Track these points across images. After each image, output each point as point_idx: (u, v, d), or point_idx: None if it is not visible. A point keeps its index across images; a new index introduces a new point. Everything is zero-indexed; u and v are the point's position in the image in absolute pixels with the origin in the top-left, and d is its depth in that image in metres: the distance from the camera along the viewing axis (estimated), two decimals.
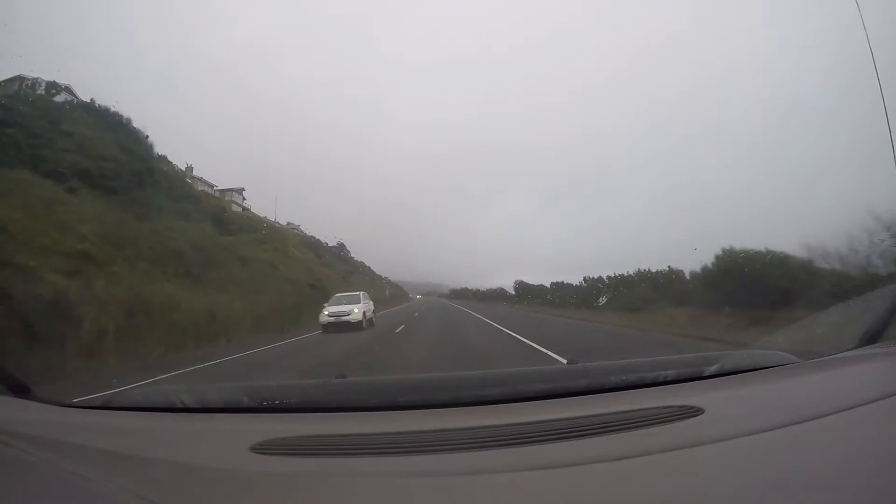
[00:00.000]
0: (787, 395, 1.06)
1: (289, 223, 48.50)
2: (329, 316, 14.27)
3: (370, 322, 15.72)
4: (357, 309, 14.59)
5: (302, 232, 47.85)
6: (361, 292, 17.47)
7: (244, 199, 41.28)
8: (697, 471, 0.72)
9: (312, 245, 42.52)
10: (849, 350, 1.36)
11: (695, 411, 0.92)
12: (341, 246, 55.11)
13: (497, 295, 51.71)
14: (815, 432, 0.80)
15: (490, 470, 0.73)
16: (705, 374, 1.21)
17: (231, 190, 38.61)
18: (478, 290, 69.06)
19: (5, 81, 16.05)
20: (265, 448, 0.82)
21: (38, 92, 16.81)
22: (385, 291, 47.45)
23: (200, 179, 33.84)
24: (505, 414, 0.98)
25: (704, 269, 12.66)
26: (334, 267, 40.07)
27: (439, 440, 0.85)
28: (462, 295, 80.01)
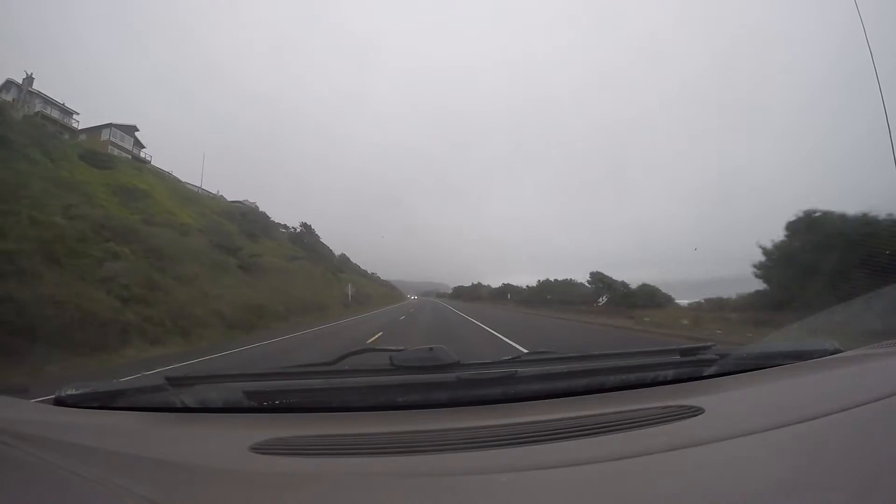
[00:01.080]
0: (786, 395, 1.06)
1: (245, 200, 45.98)
2: None
3: None
4: None
5: (251, 205, 43.16)
6: None
7: (138, 142, 33.41)
8: (697, 471, 0.72)
9: (237, 214, 34.04)
10: (849, 350, 1.36)
11: (695, 411, 0.92)
12: (308, 231, 46.11)
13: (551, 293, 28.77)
14: (815, 432, 0.80)
15: (490, 470, 0.73)
16: (705, 374, 1.21)
17: (110, 126, 32.07)
18: (509, 287, 42.15)
19: None
20: (265, 448, 0.82)
21: None
22: (347, 289, 33.38)
23: (40, 95, 27.07)
24: (505, 414, 0.98)
25: None
26: (261, 246, 28.71)
27: (439, 440, 0.85)
28: (474, 294, 58.46)
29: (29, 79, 26.60)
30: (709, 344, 1.41)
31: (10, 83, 26.50)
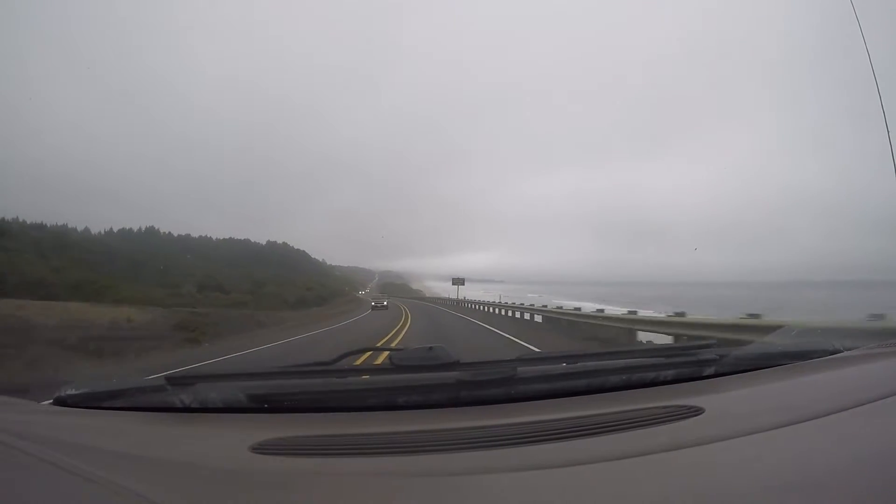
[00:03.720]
0: (787, 395, 1.06)
1: None
2: None
3: None
4: None
5: None
6: None
7: None
8: (697, 471, 0.72)
9: None
10: (849, 350, 1.36)
11: (695, 411, 0.92)
12: None
13: None
14: (815, 432, 0.81)
15: (490, 470, 0.73)
16: (705, 373, 1.21)
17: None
18: None
19: None
20: (265, 448, 0.82)
21: None
22: None
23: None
24: (505, 414, 0.98)
25: None
26: None
27: (439, 440, 0.85)
28: None
29: None
30: (709, 343, 1.41)
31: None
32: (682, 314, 9.63)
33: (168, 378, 1.14)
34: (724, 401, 1.03)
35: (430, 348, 1.21)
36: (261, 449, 0.82)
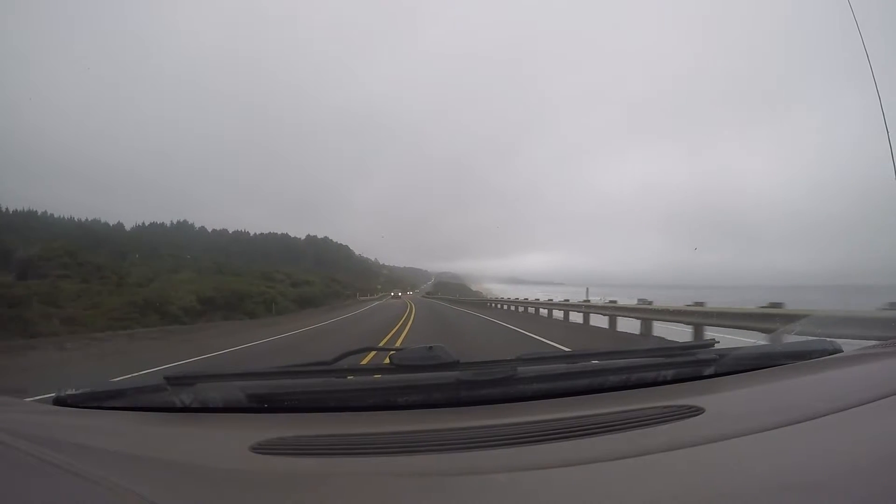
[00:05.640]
0: (787, 395, 1.06)
1: None
2: None
3: None
4: None
5: None
6: None
7: None
8: (697, 471, 0.72)
9: None
10: (849, 350, 1.37)
11: (695, 411, 0.92)
12: None
13: None
14: (815, 432, 0.81)
15: (490, 470, 0.73)
16: (705, 373, 1.21)
17: None
18: None
19: None
20: (265, 448, 0.82)
21: None
22: None
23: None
24: (505, 414, 0.98)
25: None
26: None
27: (439, 440, 0.85)
28: None
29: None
30: (709, 342, 1.41)
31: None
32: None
33: (168, 378, 1.13)
34: (724, 401, 1.03)
35: (430, 348, 1.21)
36: (261, 449, 0.82)
